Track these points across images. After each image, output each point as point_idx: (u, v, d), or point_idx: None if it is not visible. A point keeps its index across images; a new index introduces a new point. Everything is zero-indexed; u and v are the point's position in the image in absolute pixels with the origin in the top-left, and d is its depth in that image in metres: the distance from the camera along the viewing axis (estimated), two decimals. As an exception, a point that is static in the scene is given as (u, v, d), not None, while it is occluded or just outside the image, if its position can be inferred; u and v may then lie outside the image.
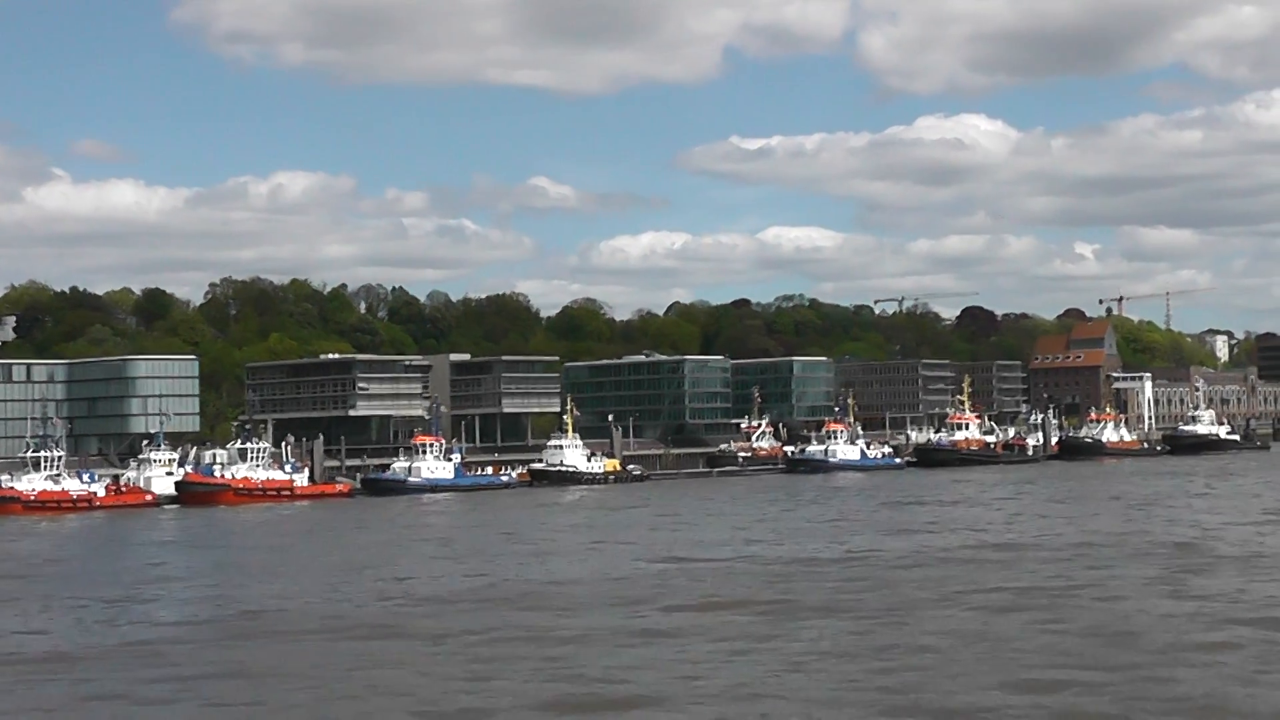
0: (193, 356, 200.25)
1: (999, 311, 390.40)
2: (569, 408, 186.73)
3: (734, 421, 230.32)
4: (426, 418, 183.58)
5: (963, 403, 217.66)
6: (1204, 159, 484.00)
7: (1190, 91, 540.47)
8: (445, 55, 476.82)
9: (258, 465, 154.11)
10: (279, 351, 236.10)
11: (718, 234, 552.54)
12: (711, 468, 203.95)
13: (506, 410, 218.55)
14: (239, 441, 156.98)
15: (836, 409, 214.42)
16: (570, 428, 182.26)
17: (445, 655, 48.28)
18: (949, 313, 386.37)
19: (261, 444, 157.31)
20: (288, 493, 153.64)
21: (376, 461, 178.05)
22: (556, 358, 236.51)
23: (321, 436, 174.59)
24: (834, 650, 46.69)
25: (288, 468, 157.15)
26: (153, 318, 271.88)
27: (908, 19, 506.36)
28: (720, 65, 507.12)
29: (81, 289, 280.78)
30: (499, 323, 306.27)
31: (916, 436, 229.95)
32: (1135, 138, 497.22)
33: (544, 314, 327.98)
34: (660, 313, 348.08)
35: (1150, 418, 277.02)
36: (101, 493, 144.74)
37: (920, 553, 74.89)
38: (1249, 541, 74.97)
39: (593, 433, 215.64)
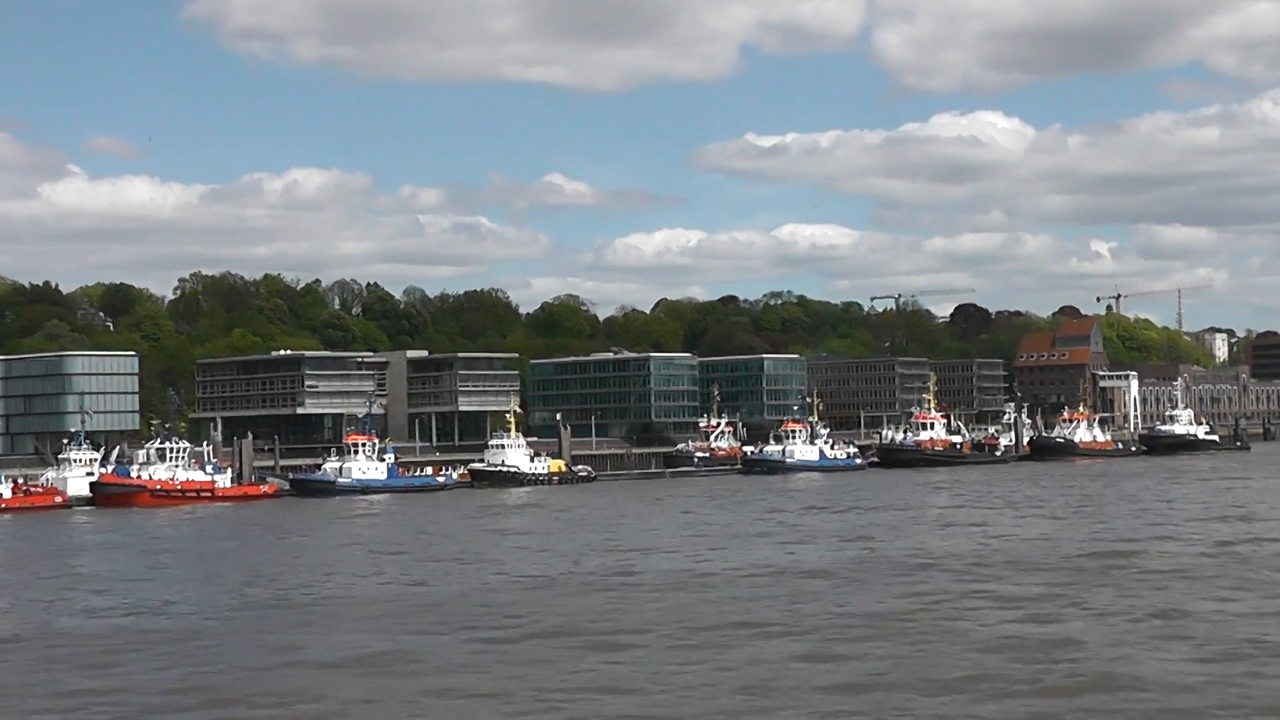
0: (132, 353, 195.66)
1: (1014, 309, 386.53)
2: (512, 406, 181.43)
3: (701, 421, 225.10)
4: (360, 415, 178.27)
5: (928, 401, 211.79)
6: (1220, 157, 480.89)
7: (1207, 89, 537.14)
8: (460, 52, 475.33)
9: (177, 466, 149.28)
10: (241, 348, 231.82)
11: (733, 231, 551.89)
12: (668, 468, 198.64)
13: (463, 409, 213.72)
14: (158, 441, 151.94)
15: (796, 408, 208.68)
16: (514, 426, 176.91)
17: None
18: (947, 311, 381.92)
19: (181, 443, 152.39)
20: (208, 494, 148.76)
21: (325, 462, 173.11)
22: (516, 355, 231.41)
23: (250, 435, 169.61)
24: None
25: (209, 468, 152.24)
26: (118, 313, 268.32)
27: (923, 16, 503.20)
28: (735, 62, 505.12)
29: (48, 284, 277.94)
30: (475, 319, 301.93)
31: (891, 436, 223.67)
32: (1152, 135, 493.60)
33: (524, 310, 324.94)
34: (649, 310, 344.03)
35: (1136, 417, 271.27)
36: (8, 494, 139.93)
37: (772, 568, 69.46)
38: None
39: (553, 431, 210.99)
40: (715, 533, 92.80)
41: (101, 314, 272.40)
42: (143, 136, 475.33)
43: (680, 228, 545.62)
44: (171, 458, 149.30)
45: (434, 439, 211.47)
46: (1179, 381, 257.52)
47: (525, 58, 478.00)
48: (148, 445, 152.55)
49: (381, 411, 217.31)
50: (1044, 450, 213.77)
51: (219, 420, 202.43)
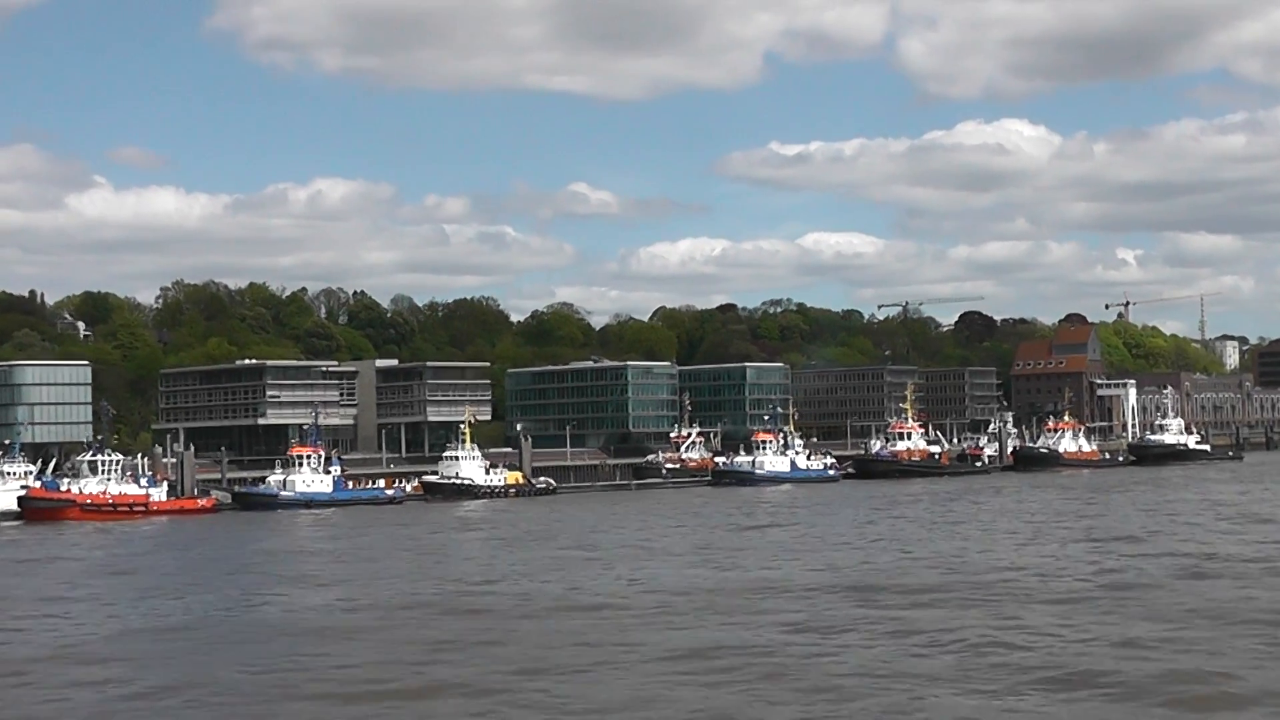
0: (85, 363, 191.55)
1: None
2: (468, 416, 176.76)
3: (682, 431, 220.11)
4: (305, 427, 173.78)
5: (905, 410, 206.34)
6: (1247, 164, 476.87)
7: (1233, 95, 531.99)
8: (484, 61, 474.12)
9: (109, 479, 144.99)
10: (216, 357, 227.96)
11: (758, 240, 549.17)
12: (638, 479, 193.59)
13: (432, 419, 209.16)
14: (90, 453, 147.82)
15: (767, 418, 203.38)
16: (469, 437, 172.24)
17: None
18: (949, 318, 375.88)
19: (114, 456, 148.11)
20: (141, 509, 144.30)
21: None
22: (488, 364, 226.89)
23: (192, 447, 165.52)
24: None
25: (143, 481, 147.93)
26: (95, 322, 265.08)
27: (946, 24, 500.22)
28: (759, 71, 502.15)
29: (33, 294, 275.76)
30: (464, 328, 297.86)
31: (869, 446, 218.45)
32: (1178, 143, 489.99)
33: (517, 318, 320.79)
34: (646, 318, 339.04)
35: (1134, 425, 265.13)
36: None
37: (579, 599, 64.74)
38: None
39: (534, 442, 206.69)
40: (600, 554, 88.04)
41: (81, 324, 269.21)
42: (168, 148, 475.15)
43: (705, 237, 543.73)
44: (104, 470, 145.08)
45: (403, 450, 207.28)
46: (1169, 390, 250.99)
47: (549, 66, 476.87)
48: (78, 458, 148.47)
49: (349, 422, 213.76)
50: (1027, 461, 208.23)
51: (181, 431, 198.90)
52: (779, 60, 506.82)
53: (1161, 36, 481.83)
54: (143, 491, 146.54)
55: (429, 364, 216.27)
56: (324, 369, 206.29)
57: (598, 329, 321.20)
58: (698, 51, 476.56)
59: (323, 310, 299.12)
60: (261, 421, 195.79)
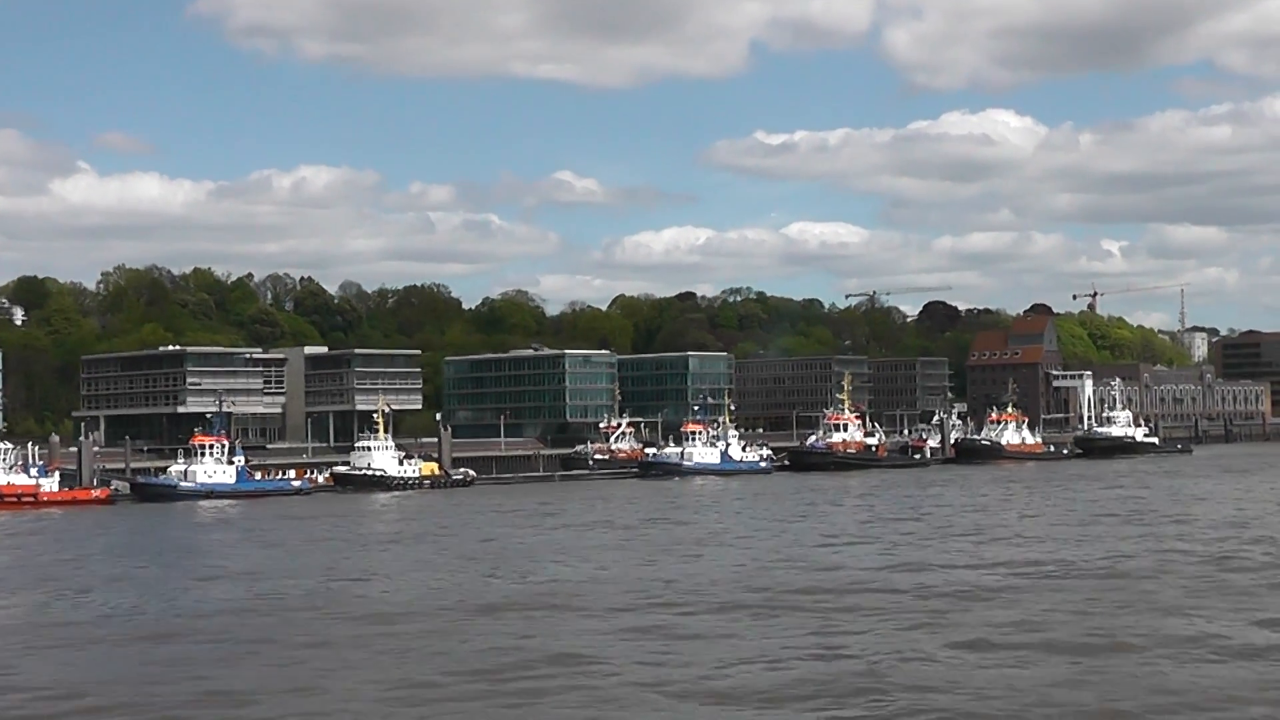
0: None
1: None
2: (381, 405, 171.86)
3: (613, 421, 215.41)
4: (208, 416, 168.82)
5: (842, 401, 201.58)
6: (1232, 155, 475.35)
7: (1218, 87, 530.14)
8: (469, 49, 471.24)
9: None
10: (150, 343, 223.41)
11: (742, 229, 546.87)
12: (565, 470, 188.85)
13: (361, 407, 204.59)
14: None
15: (697, 408, 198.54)
16: (383, 427, 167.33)
17: None
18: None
19: (4, 445, 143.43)
20: (30, 499, 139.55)
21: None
22: (418, 351, 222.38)
23: (90, 436, 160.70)
24: None
25: (33, 471, 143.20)
26: (32, 307, 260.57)
27: (932, 14, 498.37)
28: (745, 60, 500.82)
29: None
30: (414, 315, 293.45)
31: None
32: (1163, 134, 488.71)
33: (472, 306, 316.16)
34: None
35: (1090, 418, 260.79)
36: None
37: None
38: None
39: (469, 431, 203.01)
40: (428, 556, 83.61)
41: (19, 309, 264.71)
42: (152, 133, 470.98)
43: (689, 225, 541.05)
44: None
45: (332, 438, 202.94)
46: (1117, 381, 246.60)
47: (534, 55, 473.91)
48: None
49: (277, 410, 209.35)
50: (969, 453, 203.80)
51: (102, 419, 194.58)
52: (765, 49, 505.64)
53: (1147, 28, 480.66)
54: (32, 482, 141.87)
55: (357, 351, 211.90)
56: (247, 356, 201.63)
57: (553, 316, 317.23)
58: (684, 40, 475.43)
59: (269, 296, 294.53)
60: (181, 409, 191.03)
